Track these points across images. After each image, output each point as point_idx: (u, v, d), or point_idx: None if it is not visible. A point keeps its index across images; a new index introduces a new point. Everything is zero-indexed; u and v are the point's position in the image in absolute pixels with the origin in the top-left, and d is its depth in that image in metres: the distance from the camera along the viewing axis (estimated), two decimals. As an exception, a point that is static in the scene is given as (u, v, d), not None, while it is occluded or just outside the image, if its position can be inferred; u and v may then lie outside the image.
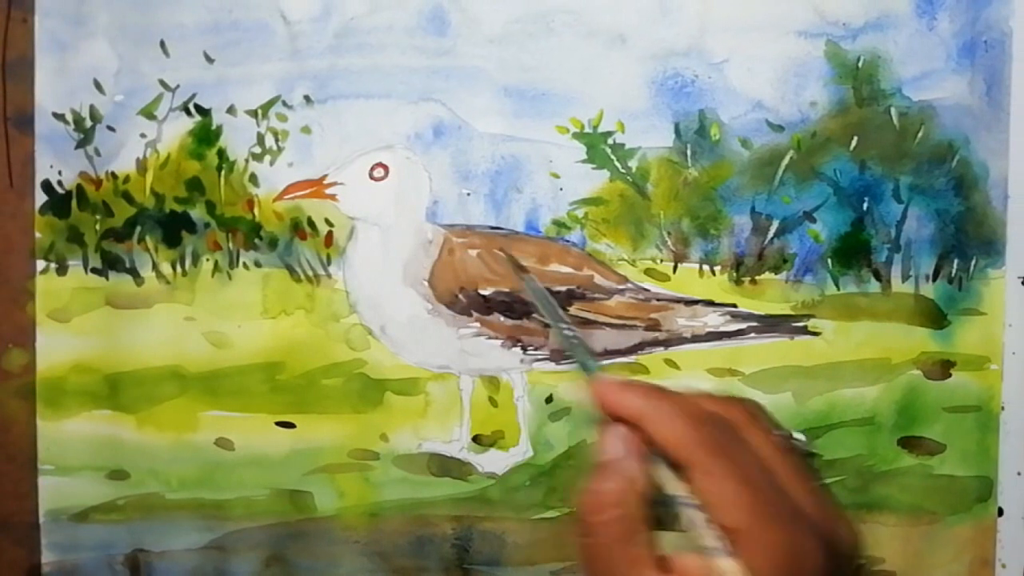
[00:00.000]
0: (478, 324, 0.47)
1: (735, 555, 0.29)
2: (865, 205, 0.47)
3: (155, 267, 0.48)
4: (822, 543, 0.30)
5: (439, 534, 0.48)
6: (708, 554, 0.29)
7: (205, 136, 0.47)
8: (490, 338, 0.47)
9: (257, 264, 0.47)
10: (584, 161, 0.47)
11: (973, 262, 0.47)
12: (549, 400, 0.47)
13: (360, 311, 0.47)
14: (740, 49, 0.46)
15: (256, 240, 0.47)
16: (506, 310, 0.47)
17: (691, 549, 0.30)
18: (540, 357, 0.47)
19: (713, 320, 0.47)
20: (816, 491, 0.31)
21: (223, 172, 0.47)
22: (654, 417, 0.31)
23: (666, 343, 0.47)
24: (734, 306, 0.47)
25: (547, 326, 0.46)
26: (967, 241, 0.46)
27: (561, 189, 0.47)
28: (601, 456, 0.32)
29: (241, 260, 0.47)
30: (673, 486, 0.31)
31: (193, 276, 0.48)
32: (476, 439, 0.47)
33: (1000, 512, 0.47)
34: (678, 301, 0.47)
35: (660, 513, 0.31)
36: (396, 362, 0.47)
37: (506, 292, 0.47)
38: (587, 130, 0.46)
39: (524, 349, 0.47)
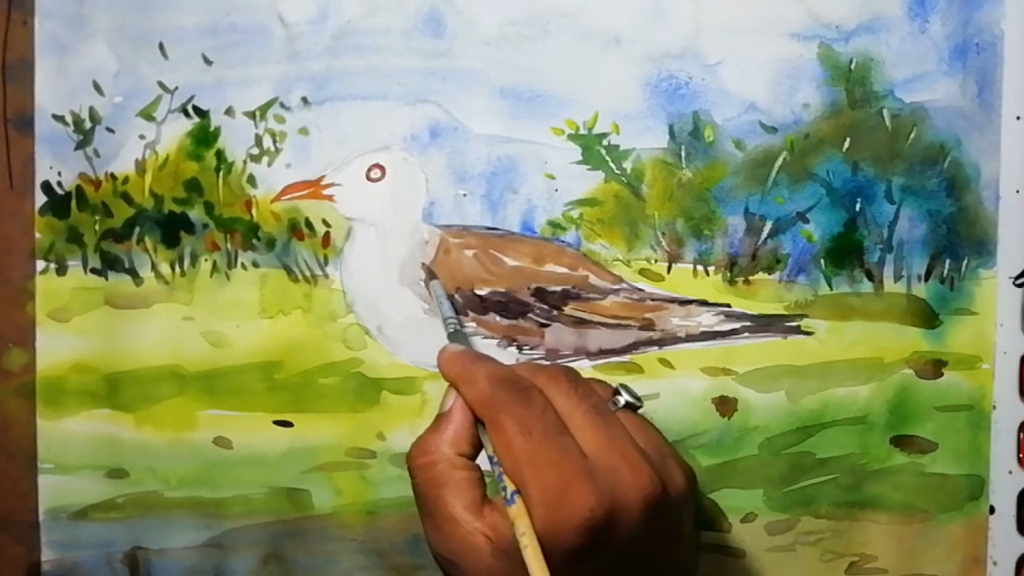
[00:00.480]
0: (474, 324, 0.47)
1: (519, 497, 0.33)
2: (858, 206, 0.47)
3: (154, 267, 0.48)
4: (608, 495, 0.33)
5: (435, 532, 0.48)
6: (506, 501, 0.34)
7: (203, 137, 0.48)
8: (486, 338, 0.47)
9: (255, 264, 0.48)
10: (579, 162, 0.47)
11: (965, 262, 0.47)
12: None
13: (357, 311, 0.48)
14: (734, 51, 0.46)
15: (254, 241, 0.48)
16: (502, 310, 0.47)
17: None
18: (535, 356, 0.47)
19: (707, 320, 0.47)
20: (615, 440, 0.35)
21: (221, 173, 0.48)
22: (463, 381, 0.37)
23: (660, 342, 0.47)
24: (728, 306, 0.47)
25: (542, 326, 0.47)
26: (959, 242, 0.47)
27: (556, 190, 0.47)
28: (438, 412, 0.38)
29: (239, 260, 0.48)
30: (490, 447, 0.36)
31: (191, 276, 0.48)
32: (472, 438, 0.48)
33: (992, 510, 0.47)
34: (672, 301, 0.47)
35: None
36: (393, 361, 0.48)
37: (502, 292, 0.47)
38: (582, 132, 0.47)
39: (520, 348, 0.47)
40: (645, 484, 0.34)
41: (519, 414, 0.35)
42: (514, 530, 0.33)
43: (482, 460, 0.37)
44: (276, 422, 0.48)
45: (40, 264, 0.48)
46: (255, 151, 0.48)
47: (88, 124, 0.48)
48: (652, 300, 0.47)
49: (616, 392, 0.39)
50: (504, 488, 0.34)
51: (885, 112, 0.47)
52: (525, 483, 0.34)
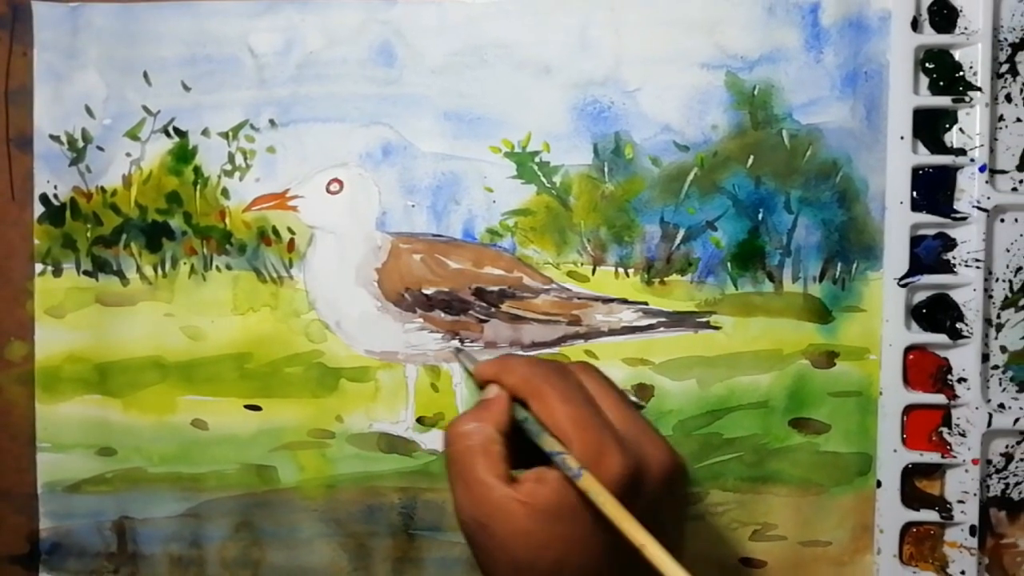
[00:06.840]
0: (421, 320, 0.52)
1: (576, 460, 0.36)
2: (760, 215, 0.52)
3: (139, 270, 0.53)
4: (635, 459, 0.37)
5: (387, 503, 0.53)
6: (556, 463, 0.36)
7: (183, 155, 0.53)
8: (432, 332, 0.53)
9: (228, 267, 0.53)
10: (514, 177, 0.52)
11: (855, 265, 0.52)
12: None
13: (318, 308, 0.53)
14: (651, 79, 0.52)
15: (227, 246, 0.53)
16: (446, 307, 0.52)
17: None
18: (476, 349, 0.53)
19: (627, 316, 0.52)
20: (638, 421, 0.39)
21: (198, 187, 0.53)
22: (504, 371, 0.39)
23: (586, 336, 0.53)
24: (646, 304, 0.52)
25: (482, 321, 0.52)
26: (849, 247, 0.52)
27: (494, 202, 0.52)
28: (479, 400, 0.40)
29: (214, 263, 0.53)
30: (540, 438, 0.37)
31: (172, 277, 0.53)
32: (420, 420, 0.53)
33: (879, 484, 0.52)
34: (597, 299, 0.52)
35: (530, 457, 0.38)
36: (350, 353, 0.53)
37: (446, 291, 0.52)
38: (517, 150, 0.52)
39: (462, 341, 0.53)
40: (664, 458, 0.38)
41: (559, 384, 0.37)
42: (589, 498, 0.35)
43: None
44: (247, 406, 0.53)
45: (38, 267, 0.53)
46: (228, 167, 0.53)
47: (81, 143, 0.53)
48: (579, 299, 0.53)
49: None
50: (569, 467, 0.35)
51: (784, 133, 0.52)
52: (569, 441, 0.36)
